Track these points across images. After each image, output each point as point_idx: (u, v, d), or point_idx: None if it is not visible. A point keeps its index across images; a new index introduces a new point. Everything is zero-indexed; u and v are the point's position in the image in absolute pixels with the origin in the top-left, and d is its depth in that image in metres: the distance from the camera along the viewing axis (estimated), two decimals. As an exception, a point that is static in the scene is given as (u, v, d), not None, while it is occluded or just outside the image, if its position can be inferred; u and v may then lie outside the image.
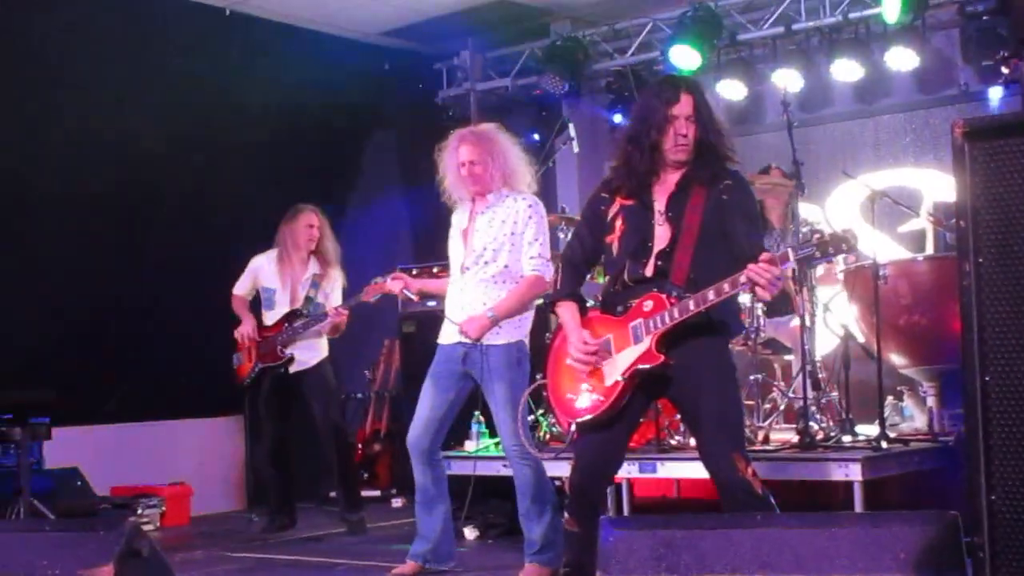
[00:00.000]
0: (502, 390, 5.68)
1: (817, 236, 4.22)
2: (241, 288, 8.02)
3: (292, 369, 7.81)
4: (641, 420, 5.04)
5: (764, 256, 4.17)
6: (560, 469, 6.93)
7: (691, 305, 4.32)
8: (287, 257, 7.88)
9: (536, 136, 9.89)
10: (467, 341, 5.71)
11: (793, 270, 6.66)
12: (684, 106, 4.51)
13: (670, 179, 4.59)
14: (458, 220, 5.93)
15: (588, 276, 5.11)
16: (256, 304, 8.05)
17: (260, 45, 9.43)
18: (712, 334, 4.49)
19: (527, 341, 5.88)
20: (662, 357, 4.39)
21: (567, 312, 4.70)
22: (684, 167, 4.57)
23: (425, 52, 10.62)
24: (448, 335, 5.84)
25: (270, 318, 7.89)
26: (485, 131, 5.95)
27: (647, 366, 4.41)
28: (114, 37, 8.70)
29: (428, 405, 5.84)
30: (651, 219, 4.55)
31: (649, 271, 4.51)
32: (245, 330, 7.88)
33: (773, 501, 4.39)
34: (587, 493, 4.62)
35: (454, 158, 5.84)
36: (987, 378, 3.18)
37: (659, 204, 4.56)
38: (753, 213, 4.64)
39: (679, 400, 4.62)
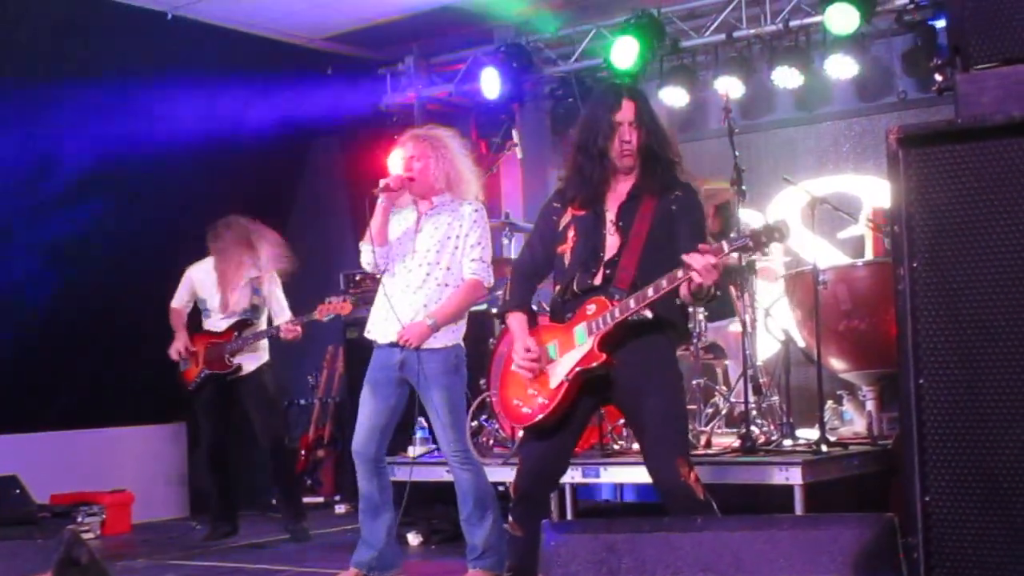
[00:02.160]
0: (440, 396, 5.67)
1: (751, 228, 4.27)
2: (179, 301, 8.01)
3: (231, 376, 7.80)
4: (587, 425, 5.08)
5: (701, 246, 4.23)
6: (502, 474, 6.95)
7: (631, 303, 4.35)
8: (221, 266, 7.87)
9: (481, 141, 9.90)
10: (404, 346, 5.68)
11: (735, 278, 6.72)
12: (626, 112, 4.58)
13: (621, 188, 4.64)
14: (402, 219, 5.88)
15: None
16: (195, 313, 8.02)
17: (203, 50, 9.36)
18: (659, 340, 4.53)
19: (463, 345, 5.86)
20: (604, 356, 4.42)
21: (515, 321, 4.74)
22: (633, 175, 4.61)
23: (369, 57, 10.60)
24: (384, 334, 5.79)
25: (211, 325, 7.87)
26: (435, 132, 5.95)
27: (589, 366, 4.44)
28: (49, 40, 8.55)
29: (369, 413, 5.81)
30: (603, 229, 4.59)
31: (598, 280, 4.55)
32: (178, 346, 7.86)
33: (715, 506, 4.42)
34: (532, 497, 4.64)
35: (400, 154, 5.85)
36: (921, 381, 3.23)
37: (611, 214, 4.61)
38: (700, 223, 4.67)
39: (624, 404, 4.65)
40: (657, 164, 4.60)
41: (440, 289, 5.71)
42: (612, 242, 4.58)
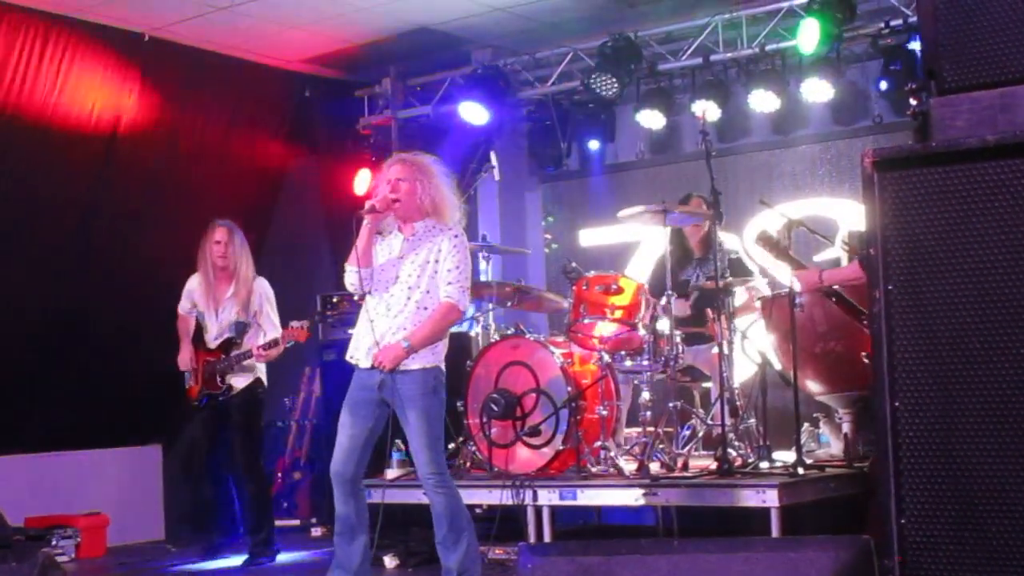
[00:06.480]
0: (416, 418, 5.63)
1: None
2: (183, 308, 7.83)
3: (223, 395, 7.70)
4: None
5: None
6: (478, 497, 6.94)
7: None
8: (206, 277, 7.76)
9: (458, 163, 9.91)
10: (379, 368, 5.66)
11: (716, 301, 6.73)
12: None
13: None
14: (385, 244, 5.86)
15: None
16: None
17: (179, 71, 9.34)
18: None
19: (443, 367, 5.84)
20: None
21: None
22: None
23: (346, 79, 10.61)
24: (365, 358, 5.77)
25: (208, 341, 7.75)
26: (421, 157, 5.95)
27: None
28: (25, 62, 8.51)
29: (348, 435, 5.78)
30: None
31: None
32: (183, 357, 7.72)
33: None
34: None
35: (384, 177, 5.83)
36: (897, 403, 3.24)
37: None
38: None
39: None
40: None
41: (420, 312, 5.70)
42: None
